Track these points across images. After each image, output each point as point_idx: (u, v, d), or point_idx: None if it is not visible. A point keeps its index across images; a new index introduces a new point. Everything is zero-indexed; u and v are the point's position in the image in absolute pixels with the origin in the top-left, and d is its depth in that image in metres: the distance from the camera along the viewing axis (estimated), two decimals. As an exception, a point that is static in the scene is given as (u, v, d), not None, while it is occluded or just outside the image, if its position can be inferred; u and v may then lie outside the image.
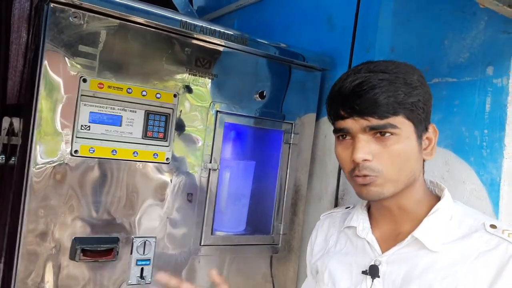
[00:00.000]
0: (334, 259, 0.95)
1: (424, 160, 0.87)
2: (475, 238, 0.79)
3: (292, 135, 1.53)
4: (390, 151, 0.80)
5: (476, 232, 0.79)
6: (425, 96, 0.83)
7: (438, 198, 0.87)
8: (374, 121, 0.79)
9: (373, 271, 0.85)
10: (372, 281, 0.85)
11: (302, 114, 1.56)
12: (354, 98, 0.80)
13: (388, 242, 0.87)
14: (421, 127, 0.83)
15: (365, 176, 0.80)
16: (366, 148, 0.80)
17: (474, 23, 1.18)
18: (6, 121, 1.55)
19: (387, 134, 0.80)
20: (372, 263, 0.86)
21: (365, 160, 0.80)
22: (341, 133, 0.85)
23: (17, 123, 1.44)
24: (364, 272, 0.87)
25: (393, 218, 0.88)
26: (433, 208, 0.84)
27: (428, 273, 0.79)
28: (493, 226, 0.79)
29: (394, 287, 0.82)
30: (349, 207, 1.05)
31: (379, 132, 0.80)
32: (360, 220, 0.93)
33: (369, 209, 0.96)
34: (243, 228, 1.55)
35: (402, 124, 0.80)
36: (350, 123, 0.82)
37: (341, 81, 0.83)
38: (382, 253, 0.86)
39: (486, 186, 1.11)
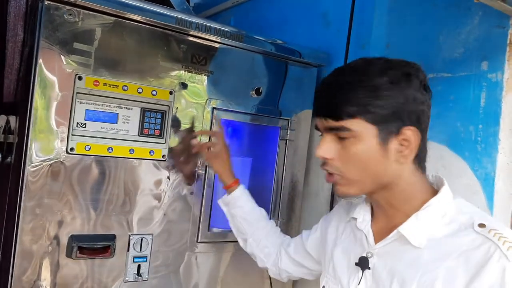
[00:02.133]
0: (338, 249, 0.98)
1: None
2: (461, 237, 0.78)
3: (289, 131, 1.54)
4: (348, 152, 0.83)
5: (464, 231, 0.78)
6: (397, 99, 0.80)
7: (436, 194, 0.86)
8: (331, 123, 0.83)
9: (363, 263, 0.88)
10: (363, 272, 0.87)
11: (299, 111, 1.57)
12: (321, 98, 0.86)
13: (382, 235, 0.88)
14: (387, 130, 0.81)
15: (330, 174, 0.86)
16: (325, 147, 0.85)
17: (468, 18, 1.18)
18: (2, 119, 1.55)
19: (344, 137, 0.83)
20: (364, 255, 0.88)
21: (326, 158, 0.85)
22: (318, 130, 0.89)
23: (13, 121, 1.44)
24: (356, 264, 0.89)
25: (385, 213, 0.89)
26: (425, 204, 0.83)
27: (410, 268, 0.80)
28: (481, 225, 0.77)
29: (380, 279, 0.84)
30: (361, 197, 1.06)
31: (338, 135, 0.84)
32: (361, 212, 0.95)
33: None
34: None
35: (360, 127, 0.80)
36: (318, 122, 0.87)
37: (322, 80, 0.88)
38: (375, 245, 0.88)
39: (481, 181, 1.12)
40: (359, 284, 0.88)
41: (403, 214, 0.85)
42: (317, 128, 0.89)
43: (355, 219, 0.95)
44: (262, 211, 1.31)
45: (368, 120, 0.81)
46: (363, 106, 0.80)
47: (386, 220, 0.89)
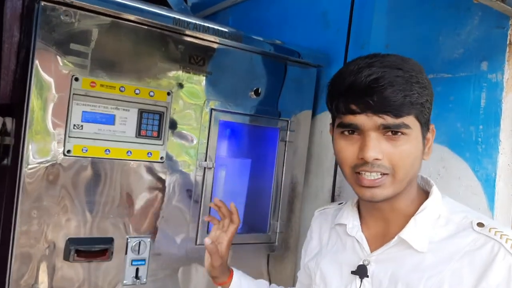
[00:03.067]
0: (325, 259, 0.94)
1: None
2: (461, 237, 0.77)
3: (288, 132, 1.53)
4: (401, 151, 0.77)
5: (463, 231, 0.78)
6: (432, 97, 0.81)
7: (427, 195, 0.86)
8: (390, 120, 0.75)
9: (361, 271, 0.84)
10: (361, 281, 0.84)
11: (298, 111, 1.56)
12: (371, 93, 0.75)
13: (376, 241, 0.86)
14: (425, 127, 0.82)
15: (377, 173, 0.77)
16: (377, 147, 0.76)
17: (468, 19, 1.18)
18: (-1, 121, 1.54)
19: (399, 133, 0.77)
20: (361, 263, 0.85)
21: (378, 159, 0.77)
22: (348, 129, 0.80)
23: (9, 123, 1.43)
24: (353, 272, 0.85)
25: (384, 217, 0.86)
26: (421, 207, 0.82)
27: (414, 273, 0.78)
28: (480, 225, 0.77)
29: (381, 286, 0.81)
30: (342, 203, 1.03)
31: (390, 131, 0.77)
32: (350, 217, 0.91)
33: (358, 206, 0.94)
34: (239, 226, 1.54)
35: (413, 125, 0.78)
36: (363, 119, 0.77)
37: (353, 73, 0.78)
38: (371, 252, 0.85)
39: (482, 182, 1.11)
40: None
41: (402, 217, 0.84)
42: (348, 126, 0.80)
43: (344, 225, 0.92)
44: (264, 284, 1.20)
45: (418, 117, 0.78)
46: (419, 103, 0.77)
47: (381, 225, 0.87)
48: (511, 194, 1.10)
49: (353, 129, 0.79)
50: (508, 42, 1.09)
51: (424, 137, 0.81)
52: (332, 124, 0.88)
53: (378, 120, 0.76)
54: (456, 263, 0.75)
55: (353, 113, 0.78)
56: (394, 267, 0.81)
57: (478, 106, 1.13)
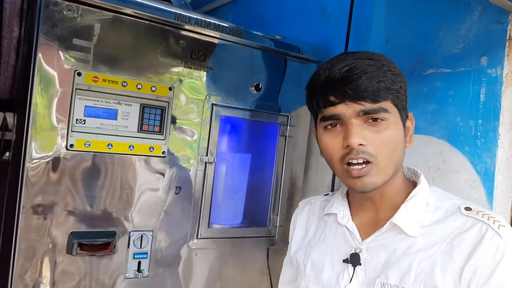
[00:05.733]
0: (315, 249, 0.95)
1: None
2: (450, 221, 0.80)
3: (288, 127, 1.54)
4: (383, 136, 0.80)
5: (452, 216, 0.81)
6: (405, 85, 0.85)
7: (414, 185, 0.88)
8: (368, 105, 0.79)
9: (354, 259, 0.86)
10: (354, 269, 0.85)
11: (298, 106, 1.56)
12: (346, 83, 0.79)
13: (367, 229, 0.88)
14: (404, 114, 0.85)
15: (363, 163, 0.80)
16: (360, 133, 0.80)
17: (468, 14, 1.19)
18: (-1, 116, 1.54)
19: (379, 120, 0.80)
20: (353, 251, 0.87)
21: (360, 144, 0.79)
22: (330, 121, 0.83)
23: (10, 118, 1.43)
24: (345, 261, 0.87)
25: (373, 206, 0.89)
26: (411, 194, 0.85)
27: (406, 257, 0.80)
28: (468, 209, 0.80)
29: (374, 273, 0.83)
30: (328, 194, 1.05)
31: (371, 118, 0.80)
32: (340, 207, 0.93)
33: (348, 196, 0.96)
34: (239, 220, 1.56)
35: (391, 109, 0.81)
36: (342, 108, 0.81)
37: (327, 69, 0.83)
38: (362, 240, 0.87)
39: (481, 176, 1.12)
40: (350, 282, 0.85)
41: (391, 205, 0.86)
42: (330, 118, 0.83)
43: (335, 214, 0.94)
44: None
45: (395, 104, 0.82)
46: (394, 89, 0.81)
47: (371, 214, 0.89)
48: (510, 188, 1.11)
49: (335, 120, 0.82)
50: (507, 37, 1.10)
51: (404, 124, 0.85)
52: (315, 123, 0.91)
53: (357, 107, 0.80)
54: (446, 245, 0.78)
55: (333, 104, 0.82)
56: (387, 253, 0.83)
57: (477, 100, 1.15)
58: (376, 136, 0.80)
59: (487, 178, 1.11)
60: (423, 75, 1.28)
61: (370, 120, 0.81)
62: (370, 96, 0.79)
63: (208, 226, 1.40)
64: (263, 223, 1.55)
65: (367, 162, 0.80)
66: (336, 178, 1.54)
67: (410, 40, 1.34)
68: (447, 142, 1.21)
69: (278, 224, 1.54)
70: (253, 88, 1.45)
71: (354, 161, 0.80)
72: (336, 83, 0.81)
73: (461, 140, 1.18)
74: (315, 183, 1.65)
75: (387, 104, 0.81)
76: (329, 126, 0.84)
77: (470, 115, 1.16)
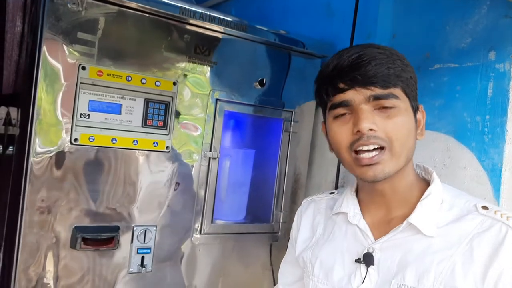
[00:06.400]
0: (324, 249, 0.92)
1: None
2: (468, 221, 0.79)
3: (292, 123, 1.53)
4: (394, 122, 0.79)
5: (469, 215, 0.79)
6: (416, 79, 0.84)
7: (426, 182, 0.87)
8: (378, 90, 0.78)
9: (367, 259, 0.83)
10: (367, 269, 0.83)
11: (302, 102, 1.56)
12: (355, 69, 0.79)
13: (379, 228, 0.86)
14: (414, 104, 0.83)
15: (374, 149, 0.78)
16: (370, 118, 0.78)
17: (476, 8, 1.17)
18: (2, 110, 1.53)
19: (389, 106, 0.79)
20: (366, 251, 0.84)
21: (371, 130, 0.78)
22: (339, 108, 0.82)
23: (14, 112, 1.43)
24: (357, 260, 0.85)
25: (385, 203, 0.87)
26: (426, 192, 0.83)
27: (424, 257, 0.78)
28: (484, 208, 0.79)
29: (389, 273, 0.81)
30: (333, 192, 1.03)
31: (381, 106, 0.79)
32: (350, 206, 0.91)
33: (357, 194, 0.94)
34: (243, 216, 1.55)
35: (402, 97, 0.80)
36: (352, 94, 0.80)
37: (335, 58, 0.82)
38: (375, 239, 0.85)
39: (488, 172, 1.11)
40: (363, 282, 0.83)
41: (404, 203, 0.84)
42: (339, 105, 0.81)
43: (344, 213, 0.92)
44: None
45: (406, 92, 0.81)
46: (404, 78, 0.80)
47: (383, 212, 0.87)
48: (517, 184, 1.10)
49: (345, 107, 0.81)
50: (516, 32, 1.09)
51: (415, 114, 0.83)
52: (324, 117, 0.90)
53: (367, 92, 0.78)
54: (465, 246, 0.76)
55: (342, 90, 0.80)
56: (402, 253, 0.81)
57: (485, 96, 1.13)
58: (387, 122, 0.79)
59: (494, 174, 1.10)
60: (430, 70, 1.26)
61: (380, 107, 0.79)
62: (380, 82, 0.78)
63: (212, 222, 1.39)
64: (266, 219, 1.55)
65: (379, 149, 0.78)
66: (340, 174, 1.53)
67: (417, 35, 1.33)
68: (453, 138, 1.19)
69: (281, 220, 1.54)
70: (257, 83, 1.44)
71: (365, 148, 0.78)
72: (345, 70, 0.80)
73: (468, 136, 1.16)
74: (319, 179, 1.64)
75: (397, 91, 0.80)
76: (339, 115, 0.83)
77: (478, 110, 1.15)
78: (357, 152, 0.80)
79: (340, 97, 0.81)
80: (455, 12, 1.22)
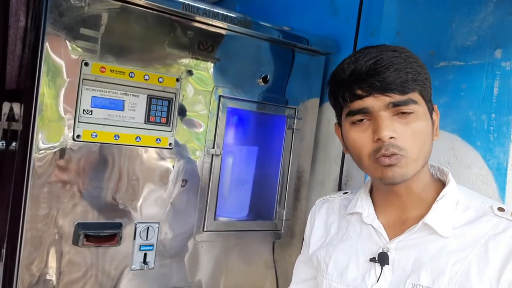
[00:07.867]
0: (338, 248, 0.93)
1: None
2: (483, 222, 0.78)
3: (295, 120, 1.52)
4: (412, 129, 0.78)
5: (485, 216, 0.79)
6: (429, 77, 0.84)
7: (441, 183, 0.86)
8: (397, 97, 0.77)
9: (382, 259, 0.83)
10: (382, 268, 0.83)
11: (306, 99, 1.55)
12: (373, 75, 0.77)
13: (394, 228, 0.86)
14: (430, 105, 0.83)
15: (392, 155, 0.77)
16: (391, 126, 0.78)
17: (482, 6, 1.16)
18: (6, 106, 1.53)
19: (408, 112, 0.78)
20: (381, 251, 0.84)
21: (391, 138, 0.77)
22: (358, 115, 0.81)
23: (17, 108, 1.42)
24: (372, 260, 0.85)
25: (401, 203, 0.86)
26: (441, 193, 0.83)
27: (439, 258, 0.78)
28: (501, 209, 0.79)
29: (404, 273, 0.81)
30: (347, 192, 1.03)
31: (400, 112, 0.78)
32: (365, 206, 0.91)
33: (371, 195, 0.94)
34: (245, 214, 1.55)
35: (420, 101, 0.80)
36: (371, 101, 0.79)
37: (351, 63, 0.81)
38: (390, 239, 0.85)
39: (493, 171, 1.10)
40: (377, 281, 0.83)
41: (419, 204, 0.84)
42: (357, 112, 0.81)
43: (358, 213, 0.91)
44: None
45: (423, 95, 0.80)
46: (420, 81, 0.79)
47: (398, 212, 0.87)
48: (522, 183, 1.10)
49: (363, 114, 0.80)
50: (523, 30, 1.07)
51: (431, 115, 0.83)
52: (339, 119, 0.89)
53: (386, 99, 0.78)
54: (481, 247, 0.76)
55: (360, 97, 0.79)
56: (417, 253, 0.81)
57: (490, 94, 1.12)
58: (406, 129, 0.78)
59: (500, 173, 1.09)
60: (434, 68, 1.25)
61: (399, 113, 0.79)
62: (399, 88, 0.77)
63: (214, 219, 1.39)
64: (269, 216, 1.54)
65: (398, 154, 0.78)
66: (344, 172, 1.52)
67: (422, 32, 1.32)
68: (458, 137, 1.19)
69: (284, 218, 1.53)
70: (261, 80, 1.43)
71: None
72: (362, 76, 0.78)
73: (473, 134, 1.16)
74: (322, 176, 1.64)
75: (415, 96, 0.79)
76: (357, 122, 0.82)
77: (483, 109, 1.14)
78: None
79: (359, 104, 0.80)
80: (461, 9, 1.21)
